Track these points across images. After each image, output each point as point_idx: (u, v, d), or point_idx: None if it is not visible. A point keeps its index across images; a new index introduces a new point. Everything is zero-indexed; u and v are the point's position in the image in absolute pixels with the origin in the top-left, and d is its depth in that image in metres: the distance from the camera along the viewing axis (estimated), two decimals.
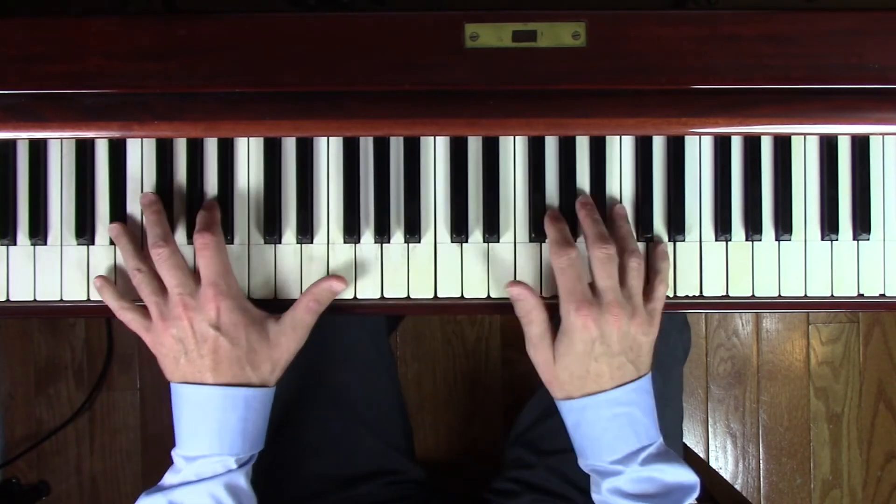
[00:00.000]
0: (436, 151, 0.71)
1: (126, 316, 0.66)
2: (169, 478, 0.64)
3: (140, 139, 0.70)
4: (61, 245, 0.71)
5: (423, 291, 0.71)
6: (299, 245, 0.70)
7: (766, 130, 0.68)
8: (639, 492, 0.63)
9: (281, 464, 0.83)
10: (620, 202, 0.71)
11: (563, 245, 0.65)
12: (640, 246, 0.71)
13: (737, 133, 0.70)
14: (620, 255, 0.66)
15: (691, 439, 1.52)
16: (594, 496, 0.67)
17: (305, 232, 0.70)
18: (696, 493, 0.64)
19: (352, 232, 0.70)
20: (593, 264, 0.65)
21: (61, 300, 0.70)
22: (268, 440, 0.84)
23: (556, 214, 0.69)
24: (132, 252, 0.67)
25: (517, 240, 0.71)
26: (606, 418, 0.63)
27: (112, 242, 0.70)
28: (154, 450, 1.48)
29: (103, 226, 0.70)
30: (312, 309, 0.66)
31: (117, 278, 0.70)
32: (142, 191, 0.70)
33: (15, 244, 0.70)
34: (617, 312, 0.63)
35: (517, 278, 0.70)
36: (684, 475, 0.64)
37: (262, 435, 0.66)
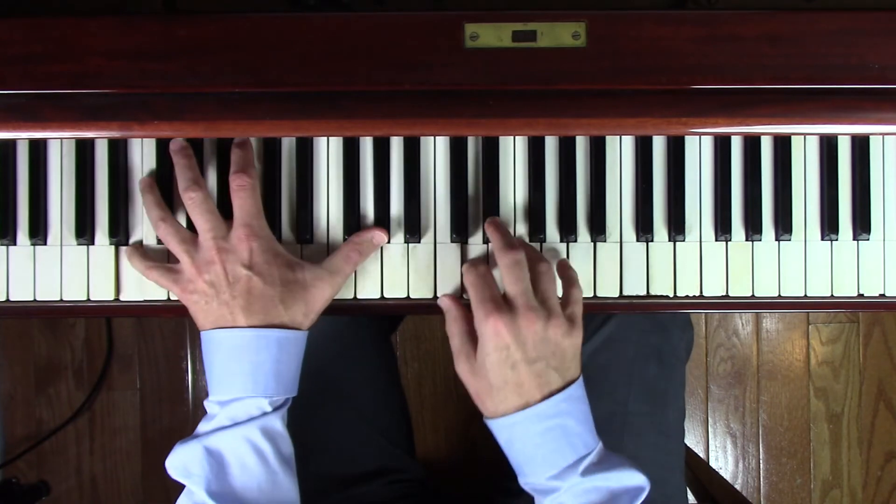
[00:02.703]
0: (436, 151, 0.71)
1: (153, 274, 0.66)
2: (202, 426, 0.63)
3: (140, 139, 0.70)
4: (61, 245, 0.71)
5: (423, 291, 0.71)
6: (299, 245, 0.70)
7: (766, 130, 0.68)
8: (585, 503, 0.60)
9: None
10: (620, 202, 0.71)
11: (472, 263, 0.66)
12: (640, 247, 0.71)
13: (737, 133, 0.70)
14: (529, 263, 0.64)
15: (691, 439, 1.52)
16: None
17: (305, 232, 0.70)
18: (645, 493, 0.61)
19: (352, 232, 0.70)
20: (502, 272, 0.63)
21: (61, 300, 0.70)
22: None
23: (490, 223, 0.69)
24: (156, 202, 0.67)
25: None
26: (538, 433, 0.61)
27: (110, 237, 0.70)
28: (154, 450, 1.48)
29: (103, 226, 0.70)
30: (353, 259, 0.66)
31: (121, 277, 0.70)
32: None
33: (15, 244, 0.70)
34: (529, 316, 0.61)
35: None
36: (629, 478, 0.61)
37: (295, 379, 0.65)
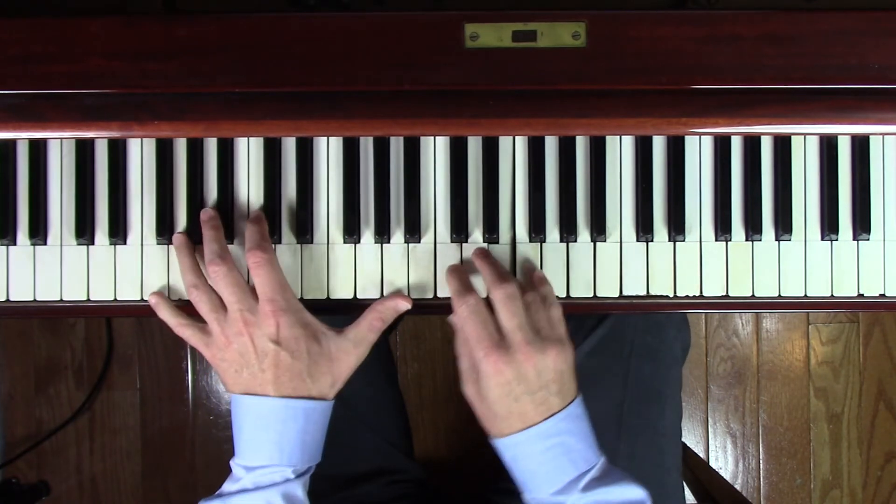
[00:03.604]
0: (436, 151, 0.71)
1: (185, 332, 0.66)
2: (227, 486, 0.64)
3: (140, 139, 0.70)
4: (61, 245, 0.71)
5: (422, 291, 0.71)
6: (299, 245, 0.70)
7: (766, 130, 0.68)
8: None
9: None
10: (620, 202, 0.71)
11: (462, 293, 0.65)
12: (640, 247, 0.71)
13: (737, 133, 0.70)
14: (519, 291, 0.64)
15: (691, 439, 1.52)
16: None
17: (305, 232, 0.70)
18: None
19: (352, 232, 0.70)
20: (496, 307, 0.63)
21: (61, 300, 0.70)
22: None
23: (454, 267, 0.69)
24: (190, 267, 0.67)
25: (517, 240, 0.71)
26: (540, 451, 0.62)
27: (110, 237, 0.70)
28: (154, 450, 1.48)
29: (103, 226, 0.70)
30: (376, 327, 0.67)
31: (117, 276, 0.70)
32: (142, 191, 0.71)
33: (15, 244, 0.70)
34: (527, 351, 0.61)
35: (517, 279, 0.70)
36: (630, 492, 0.63)
37: (319, 447, 0.67)
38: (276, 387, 0.63)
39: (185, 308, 0.68)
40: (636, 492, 0.63)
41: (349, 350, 0.66)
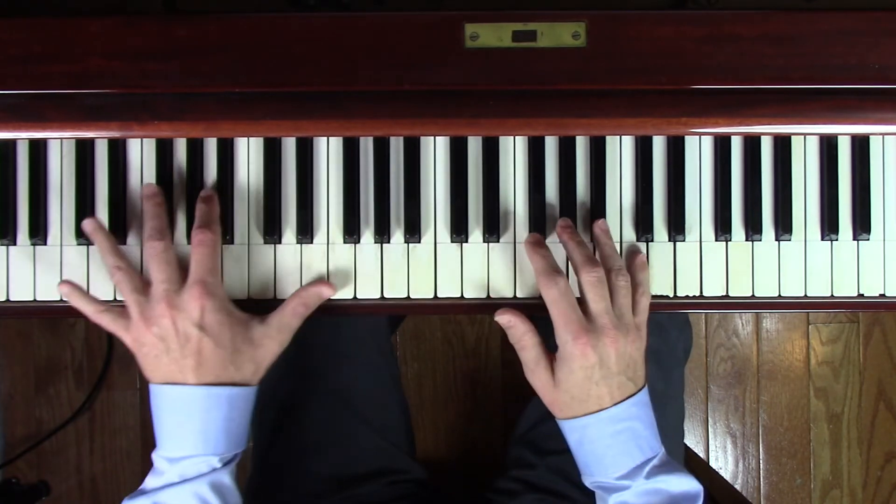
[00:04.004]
0: (436, 151, 0.71)
1: (104, 319, 0.64)
2: (151, 481, 0.63)
3: (140, 139, 0.70)
4: (61, 245, 0.70)
5: (423, 291, 0.71)
6: (299, 245, 0.70)
7: (766, 130, 0.68)
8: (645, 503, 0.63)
9: (283, 463, 0.83)
10: (620, 202, 0.71)
11: (551, 274, 0.64)
12: (640, 247, 0.71)
13: (737, 133, 0.70)
14: (607, 273, 0.65)
15: (691, 439, 1.52)
16: None
17: (305, 232, 0.70)
18: (700, 500, 0.65)
19: (352, 232, 0.70)
20: (584, 288, 0.64)
21: (61, 300, 0.70)
22: (269, 440, 0.85)
23: (537, 239, 0.68)
24: (111, 249, 0.66)
25: (517, 240, 0.71)
26: (609, 435, 0.63)
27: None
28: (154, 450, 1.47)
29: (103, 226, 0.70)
30: (299, 313, 0.66)
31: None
32: (142, 191, 0.70)
33: (15, 244, 0.70)
34: (613, 335, 0.63)
35: (517, 278, 0.70)
36: (688, 484, 0.64)
37: (245, 433, 0.65)
38: (198, 374, 0.61)
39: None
40: (693, 483, 0.64)
41: (272, 336, 0.65)
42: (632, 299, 0.67)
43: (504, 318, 0.66)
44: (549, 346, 0.66)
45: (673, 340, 0.86)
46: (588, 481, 0.67)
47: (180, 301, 0.62)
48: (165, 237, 0.64)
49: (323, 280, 0.69)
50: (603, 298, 0.64)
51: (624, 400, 0.64)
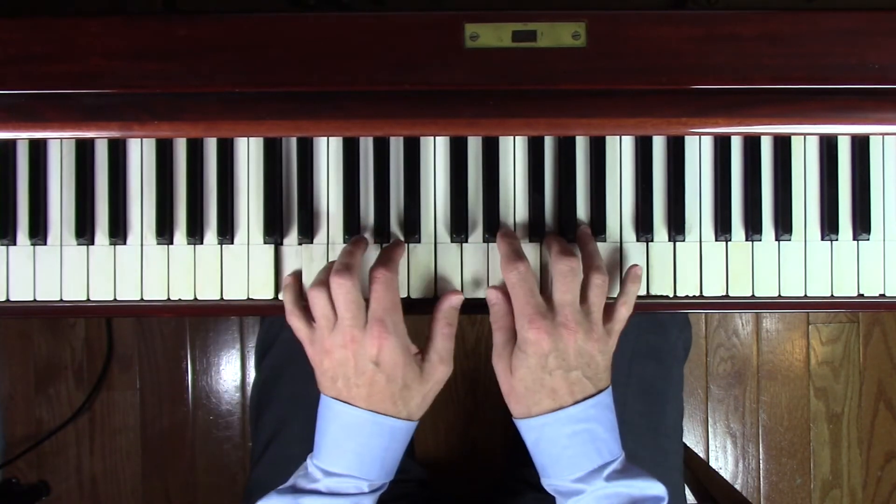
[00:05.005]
0: (436, 151, 0.71)
1: (295, 322, 0.66)
2: (302, 482, 0.64)
3: (140, 139, 0.70)
4: (61, 245, 0.71)
5: (423, 291, 0.71)
6: (299, 245, 0.70)
7: (766, 130, 0.68)
8: None
9: (283, 463, 0.83)
10: (620, 202, 0.71)
11: (513, 259, 0.64)
12: (640, 247, 0.71)
13: (737, 133, 0.70)
14: (586, 271, 0.65)
15: (691, 439, 1.52)
16: None
17: (305, 232, 0.70)
18: (664, 503, 0.63)
19: (352, 232, 0.70)
20: (554, 277, 0.64)
21: (61, 300, 0.70)
22: (270, 440, 0.85)
23: (507, 231, 0.69)
24: (323, 273, 0.67)
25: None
26: (566, 435, 0.62)
27: (110, 237, 0.70)
28: (154, 450, 1.48)
29: (103, 226, 0.70)
30: (447, 334, 0.67)
31: (117, 277, 0.70)
32: (142, 191, 0.71)
33: (15, 244, 0.70)
34: (572, 327, 0.62)
35: None
36: (652, 488, 0.63)
37: (396, 465, 0.66)
38: (368, 402, 0.63)
39: None
40: (658, 487, 0.63)
41: (437, 367, 0.66)
42: (611, 305, 0.66)
43: (491, 294, 0.66)
44: None
45: (673, 339, 0.86)
46: (545, 483, 0.66)
47: (362, 337, 0.63)
48: (353, 276, 0.64)
49: (449, 291, 0.69)
50: (570, 291, 0.63)
51: (583, 400, 0.62)
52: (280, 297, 0.69)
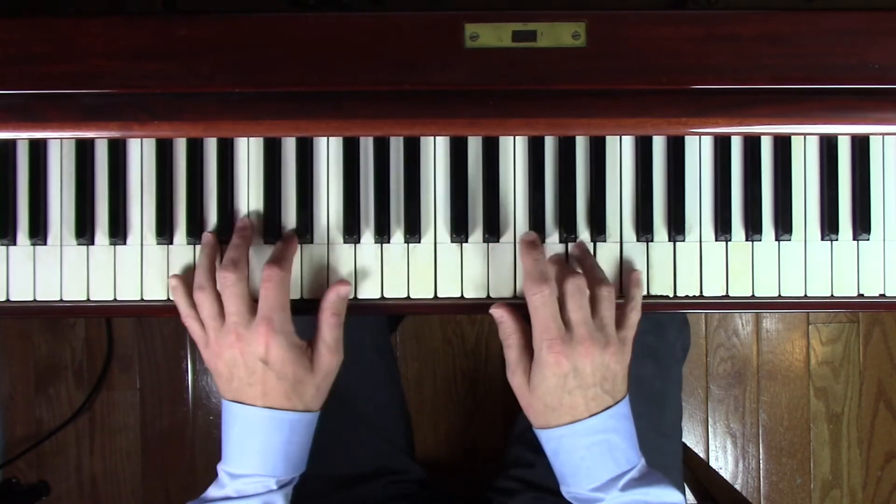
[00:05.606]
0: (436, 151, 0.71)
1: (191, 325, 0.67)
2: (213, 491, 0.65)
3: (140, 139, 0.70)
4: (61, 245, 0.71)
5: (423, 291, 0.71)
6: (299, 245, 0.70)
7: (766, 130, 0.68)
8: None
9: None
10: (620, 202, 0.71)
11: (539, 281, 0.64)
12: (640, 247, 0.71)
13: (737, 133, 0.70)
14: (590, 285, 0.65)
15: (691, 439, 1.52)
16: None
17: (305, 232, 0.70)
18: None
19: (352, 232, 0.70)
20: (564, 297, 0.64)
21: (61, 300, 0.70)
22: None
23: (533, 239, 0.68)
24: (206, 267, 0.67)
25: (517, 240, 0.71)
26: (584, 446, 0.63)
27: (110, 237, 0.70)
28: (154, 450, 1.48)
29: (103, 226, 0.70)
30: (334, 323, 0.67)
31: (117, 277, 0.70)
32: (142, 191, 0.71)
33: (15, 244, 0.70)
34: (589, 346, 0.62)
35: (517, 278, 0.70)
36: (668, 495, 0.64)
37: (304, 458, 0.67)
38: (264, 400, 0.64)
39: None
40: (674, 495, 0.64)
41: (325, 357, 0.66)
42: (621, 313, 0.66)
43: (497, 313, 0.67)
44: None
45: (671, 339, 0.86)
46: (564, 491, 0.67)
47: (248, 335, 0.63)
48: (239, 269, 0.65)
49: (337, 282, 0.68)
50: (581, 308, 0.63)
51: (600, 412, 0.63)
52: (173, 298, 0.68)
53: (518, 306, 0.67)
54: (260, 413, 0.64)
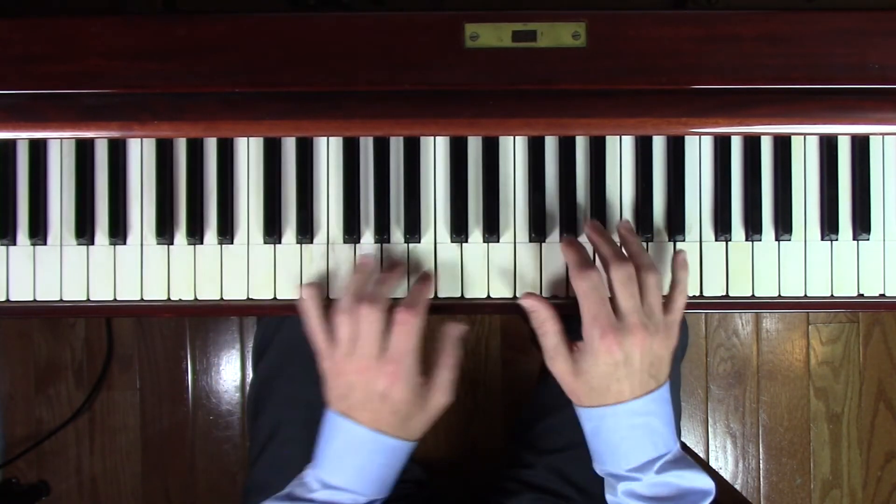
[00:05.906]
0: (436, 151, 0.71)
1: (318, 336, 0.66)
2: (298, 490, 0.65)
3: (140, 139, 0.70)
4: (61, 245, 0.71)
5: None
6: (299, 245, 0.70)
7: (766, 130, 0.68)
8: (654, 494, 0.63)
9: (280, 464, 0.83)
10: (620, 202, 0.71)
11: (584, 267, 0.64)
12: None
13: (737, 133, 0.70)
14: (637, 271, 0.65)
15: (691, 439, 1.52)
16: (608, 497, 0.67)
17: (305, 232, 0.70)
18: (710, 498, 0.64)
19: (352, 232, 0.70)
20: (614, 286, 0.64)
21: (61, 300, 0.70)
22: (266, 441, 0.85)
23: (571, 240, 0.69)
24: (356, 295, 0.65)
25: (517, 240, 0.71)
26: (625, 427, 0.64)
27: (110, 237, 0.70)
28: (154, 450, 1.48)
29: (103, 226, 0.70)
30: (451, 365, 0.67)
31: (117, 277, 0.70)
32: (142, 191, 0.71)
33: (15, 244, 0.70)
34: (641, 335, 0.63)
35: (517, 278, 0.70)
36: (700, 480, 0.64)
37: (393, 483, 0.68)
38: (372, 423, 0.64)
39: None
40: (706, 480, 0.64)
41: (440, 399, 0.67)
42: (668, 297, 0.67)
43: (528, 302, 0.67)
44: (570, 334, 0.66)
45: None
46: (599, 469, 0.67)
47: (375, 370, 0.64)
48: (383, 307, 0.64)
49: (456, 322, 0.68)
50: (632, 296, 0.63)
51: (644, 395, 0.64)
52: (303, 308, 0.67)
53: (518, 307, 0.67)
54: (367, 434, 0.64)
